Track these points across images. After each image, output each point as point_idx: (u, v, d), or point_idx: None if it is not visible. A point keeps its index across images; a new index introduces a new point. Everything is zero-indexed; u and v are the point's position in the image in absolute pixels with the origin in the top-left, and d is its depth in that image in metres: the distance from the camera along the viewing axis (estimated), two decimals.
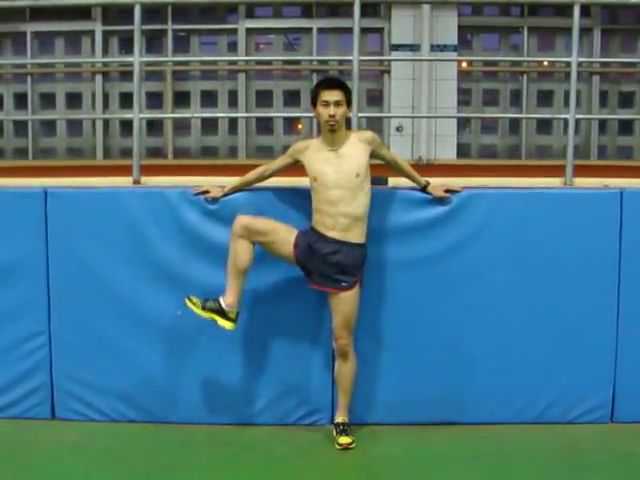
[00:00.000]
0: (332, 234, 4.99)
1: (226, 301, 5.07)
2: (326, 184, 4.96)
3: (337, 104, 4.98)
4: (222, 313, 5.07)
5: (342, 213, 4.95)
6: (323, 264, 5.02)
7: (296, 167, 5.19)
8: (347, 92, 5.08)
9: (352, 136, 5.13)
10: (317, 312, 5.39)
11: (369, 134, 5.16)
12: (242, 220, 5.03)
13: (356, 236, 5.03)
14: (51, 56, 11.77)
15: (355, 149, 5.04)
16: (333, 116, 4.96)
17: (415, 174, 5.36)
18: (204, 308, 5.07)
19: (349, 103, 5.11)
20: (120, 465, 4.91)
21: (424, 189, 5.35)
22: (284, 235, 5.07)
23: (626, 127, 11.78)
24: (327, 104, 4.98)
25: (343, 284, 5.06)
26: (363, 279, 5.16)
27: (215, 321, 5.07)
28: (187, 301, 5.09)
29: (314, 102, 5.08)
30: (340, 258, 5.00)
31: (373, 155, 5.11)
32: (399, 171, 5.36)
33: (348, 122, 5.21)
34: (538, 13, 11.70)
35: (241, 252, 5.02)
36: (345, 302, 5.07)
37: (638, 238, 5.43)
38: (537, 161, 11.13)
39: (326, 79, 5.29)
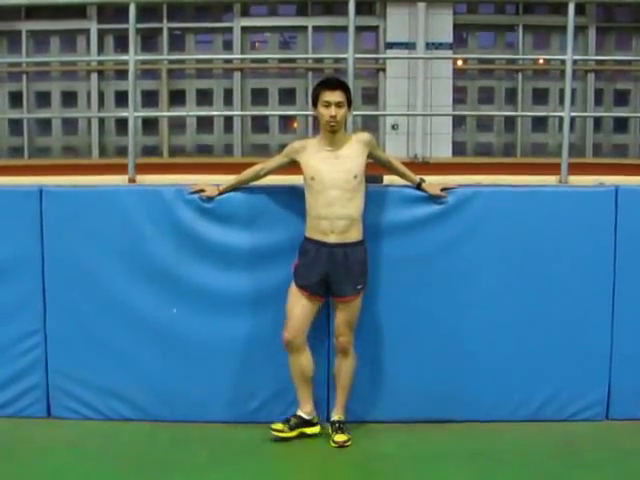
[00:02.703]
0: (331, 239, 4.99)
1: (305, 411, 5.24)
2: (324, 183, 4.96)
3: (338, 105, 4.98)
4: (307, 423, 5.24)
5: (339, 215, 4.96)
6: (334, 274, 5.03)
7: (292, 166, 5.19)
8: (348, 93, 5.09)
9: (350, 137, 5.14)
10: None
11: (367, 136, 5.18)
12: (290, 334, 5.13)
13: (355, 235, 5.05)
14: (46, 55, 11.75)
15: (353, 150, 5.05)
16: (334, 117, 4.97)
17: (409, 173, 5.38)
18: (292, 430, 5.20)
19: (350, 103, 5.11)
20: (116, 463, 4.90)
21: (418, 187, 5.36)
22: (299, 301, 5.15)
23: (621, 125, 11.78)
24: (328, 105, 4.98)
25: (358, 287, 5.09)
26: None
27: (305, 432, 5.23)
28: (274, 433, 5.17)
29: (315, 102, 5.07)
30: (348, 262, 5.02)
31: (369, 156, 5.13)
32: (393, 171, 5.38)
33: (344, 121, 5.21)
34: (533, 11, 11.70)
35: (305, 363, 5.19)
36: (350, 302, 5.10)
37: (633, 235, 5.44)
38: (532, 159, 11.13)
39: (327, 79, 5.27)
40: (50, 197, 5.49)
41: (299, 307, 5.10)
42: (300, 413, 5.23)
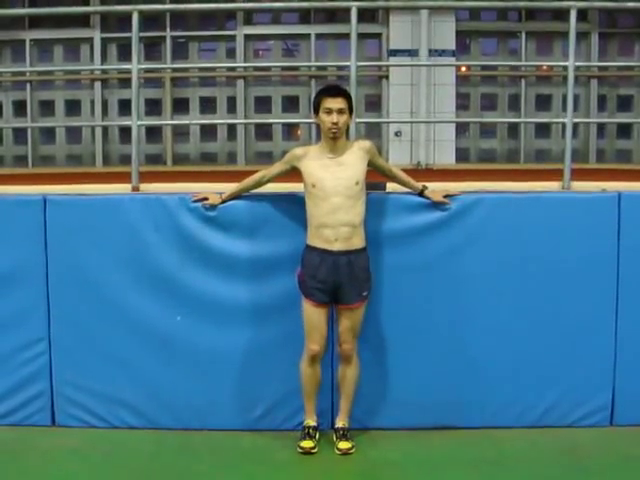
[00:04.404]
0: (336, 246, 4.98)
1: (315, 419, 5.29)
2: (325, 191, 4.96)
3: (340, 112, 4.99)
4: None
5: (342, 222, 4.95)
6: (339, 282, 5.02)
7: (294, 173, 5.19)
8: (349, 100, 5.09)
9: (352, 145, 5.15)
10: None
11: (368, 143, 5.18)
12: (319, 345, 5.10)
13: (359, 241, 5.05)
14: (50, 63, 11.79)
15: (354, 157, 5.06)
16: (336, 124, 4.97)
17: (410, 180, 5.39)
18: (317, 439, 5.22)
19: (351, 111, 5.12)
20: (121, 472, 4.91)
21: (421, 193, 5.36)
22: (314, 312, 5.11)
23: (624, 131, 11.78)
24: (330, 112, 4.98)
25: (364, 294, 5.10)
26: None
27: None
28: (306, 450, 5.13)
29: (316, 109, 5.08)
30: (353, 269, 5.02)
31: (369, 164, 5.13)
32: (395, 179, 5.39)
33: (347, 128, 5.21)
34: (536, 17, 11.71)
35: (320, 374, 5.22)
36: (355, 310, 5.10)
37: (636, 241, 5.44)
38: (536, 165, 11.13)
39: (329, 87, 5.28)
40: (54, 206, 5.50)
41: (316, 317, 5.07)
42: (314, 423, 5.25)
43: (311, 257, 5.04)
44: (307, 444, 5.11)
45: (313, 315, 5.06)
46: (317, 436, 5.20)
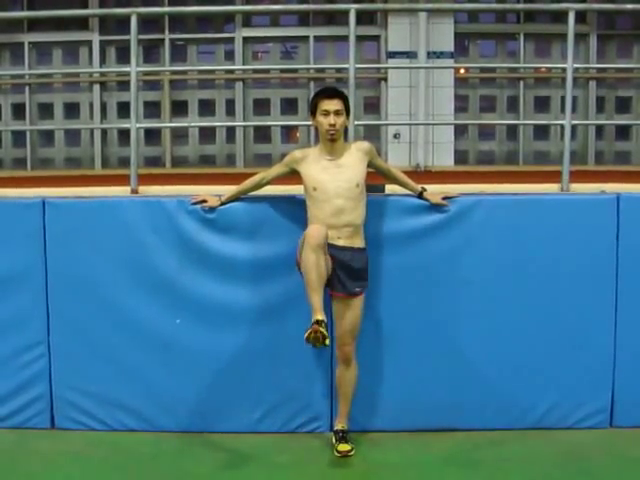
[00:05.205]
0: (340, 242, 5.01)
1: (324, 316, 4.74)
2: (327, 193, 4.97)
3: (337, 113, 5.00)
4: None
5: (345, 223, 4.98)
6: (340, 271, 5.02)
7: (293, 175, 5.19)
8: (346, 101, 5.11)
9: (350, 146, 5.15)
10: None
11: (366, 144, 5.19)
12: (317, 232, 4.78)
13: (359, 242, 5.08)
14: (49, 66, 11.77)
15: (354, 159, 5.07)
16: (333, 125, 4.98)
17: (410, 182, 5.39)
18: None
19: (348, 112, 5.13)
20: (120, 474, 4.92)
21: (420, 195, 5.37)
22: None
23: (623, 132, 11.78)
24: (327, 113, 4.99)
25: (357, 289, 5.09)
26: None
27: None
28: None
29: (313, 112, 5.09)
30: (354, 264, 5.04)
31: (369, 165, 5.14)
32: (394, 180, 5.40)
33: (345, 130, 5.21)
34: (534, 19, 11.71)
35: (325, 265, 4.83)
36: (353, 308, 5.10)
37: (635, 243, 5.44)
38: (535, 167, 11.11)
39: (325, 89, 5.29)
40: (53, 208, 5.50)
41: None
42: (323, 317, 4.67)
43: None
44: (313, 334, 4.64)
45: None
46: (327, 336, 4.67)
